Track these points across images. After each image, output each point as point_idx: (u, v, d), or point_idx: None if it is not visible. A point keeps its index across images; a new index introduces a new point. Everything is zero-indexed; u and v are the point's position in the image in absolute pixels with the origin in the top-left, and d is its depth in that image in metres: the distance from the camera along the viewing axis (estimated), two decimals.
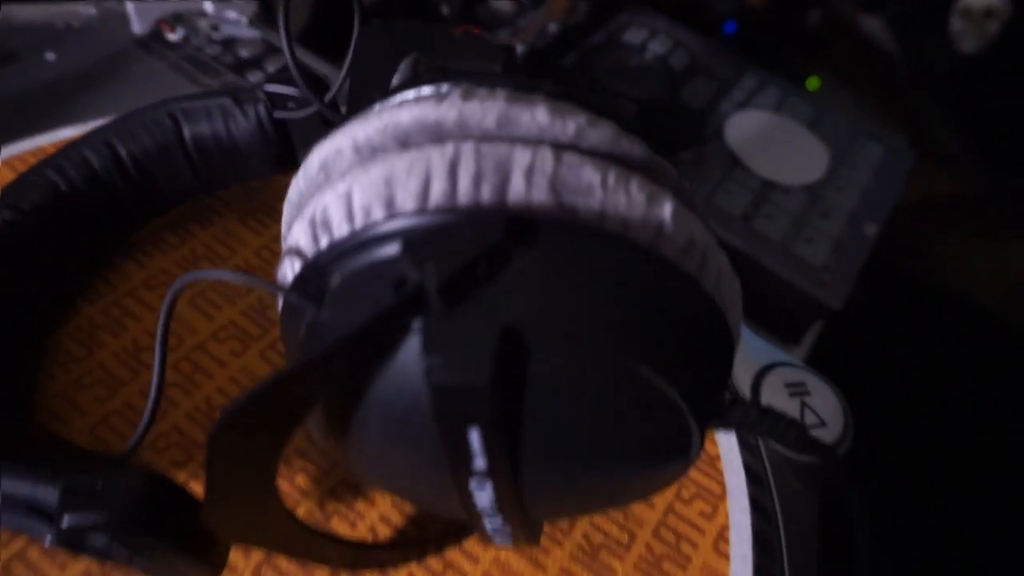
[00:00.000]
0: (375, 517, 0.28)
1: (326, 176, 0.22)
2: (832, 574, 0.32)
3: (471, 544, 0.28)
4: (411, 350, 0.18)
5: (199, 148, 0.31)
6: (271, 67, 0.51)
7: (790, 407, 0.38)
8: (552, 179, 0.18)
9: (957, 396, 0.71)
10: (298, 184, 0.23)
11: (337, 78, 0.29)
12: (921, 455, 0.65)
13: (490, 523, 0.22)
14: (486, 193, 0.18)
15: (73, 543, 0.19)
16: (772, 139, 0.66)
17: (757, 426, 0.22)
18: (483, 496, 0.20)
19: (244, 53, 0.51)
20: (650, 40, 0.72)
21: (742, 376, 0.40)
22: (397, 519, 0.28)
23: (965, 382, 0.72)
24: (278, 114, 0.31)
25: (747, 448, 0.34)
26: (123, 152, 0.30)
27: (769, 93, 0.72)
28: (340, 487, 0.29)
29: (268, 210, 0.37)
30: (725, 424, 0.22)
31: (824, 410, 0.39)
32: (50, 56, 0.48)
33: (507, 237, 0.17)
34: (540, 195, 0.18)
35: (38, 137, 0.37)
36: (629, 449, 0.20)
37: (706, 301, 0.20)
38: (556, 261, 0.18)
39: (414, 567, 0.27)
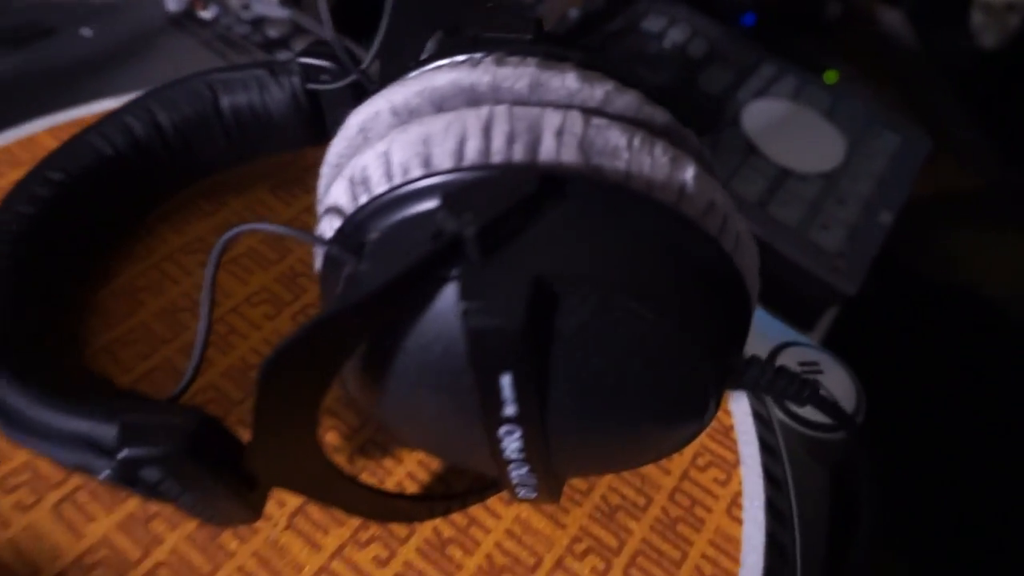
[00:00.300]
0: (402, 474, 0.29)
1: (365, 138, 0.23)
2: (840, 542, 0.33)
3: (494, 502, 0.29)
4: (448, 298, 0.19)
5: (235, 118, 0.32)
6: (298, 47, 0.53)
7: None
8: (581, 140, 0.19)
9: (968, 385, 0.71)
10: (336, 147, 0.24)
11: (367, 53, 0.30)
12: (930, 440, 0.66)
13: (516, 473, 0.23)
14: (518, 152, 0.19)
15: (128, 477, 0.20)
16: (789, 127, 0.67)
17: (772, 385, 0.23)
18: (512, 444, 0.21)
19: (272, 33, 0.52)
20: (669, 28, 0.73)
21: (757, 354, 0.41)
22: (424, 476, 0.29)
23: (976, 371, 0.72)
24: (311, 86, 0.32)
25: (761, 421, 0.35)
26: (163, 120, 0.31)
27: (786, 82, 0.72)
28: (368, 445, 0.30)
29: (298, 182, 0.39)
30: (742, 382, 0.23)
31: (837, 389, 0.40)
32: (86, 32, 0.49)
33: (539, 192, 0.18)
34: (569, 155, 0.19)
35: (79, 108, 0.39)
36: (649, 402, 0.21)
37: (726, 261, 0.21)
38: (584, 216, 0.19)
39: (439, 521, 0.28)
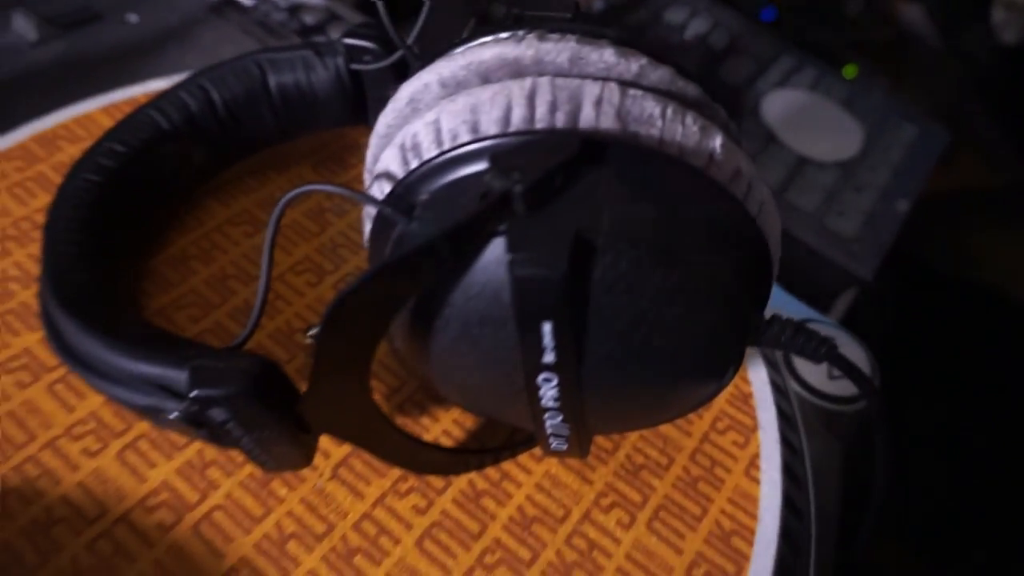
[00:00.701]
0: (438, 431, 0.31)
1: (414, 109, 0.24)
2: (853, 502, 0.34)
3: (525, 459, 0.31)
4: (495, 251, 0.21)
5: (282, 96, 0.34)
6: (334, 34, 0.54)
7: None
8: (618, 109, 0.21)
9: (980, 373, 0.72)
10: (385, 118, 0.26)
11: (408, 35, 0.31)
12: (943, 421, 0.67)
13: (551, 423, 0.24)
14: (560, 119, 0.21)
15: (196, 417, 0.22)
16: (807, 117, 0.68)
17: (792, 342, 0.24)
18: (548, 392, 0.23)
19: (308, 20, 0.54)
20: (691, 20, 0.74)
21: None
22: (459, 434, 0.31)
23: (988, 360, 0.73)
24: (354, 66, 0.34)
25: (778, 390, 0.36)
26: (215, 96, 0.33)
27: (806, 74, 0.74)
28: (407, 404, 0.32)
29: (338, 160, 0.40)
30: (764, 338, 0.24)
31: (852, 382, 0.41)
32: (132, 18, 0.52)
33: (579, 155, 0.20)
34: (607, 122, 0.21)
35: (130, 88, 0.41)
36: (677, 354, 0.23)
37: (750, 224, 0.23)
38: (621, 177, 0.21)
39: (474, 475, 0.30)
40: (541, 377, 0.22)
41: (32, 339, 0.30)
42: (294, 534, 0.27)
